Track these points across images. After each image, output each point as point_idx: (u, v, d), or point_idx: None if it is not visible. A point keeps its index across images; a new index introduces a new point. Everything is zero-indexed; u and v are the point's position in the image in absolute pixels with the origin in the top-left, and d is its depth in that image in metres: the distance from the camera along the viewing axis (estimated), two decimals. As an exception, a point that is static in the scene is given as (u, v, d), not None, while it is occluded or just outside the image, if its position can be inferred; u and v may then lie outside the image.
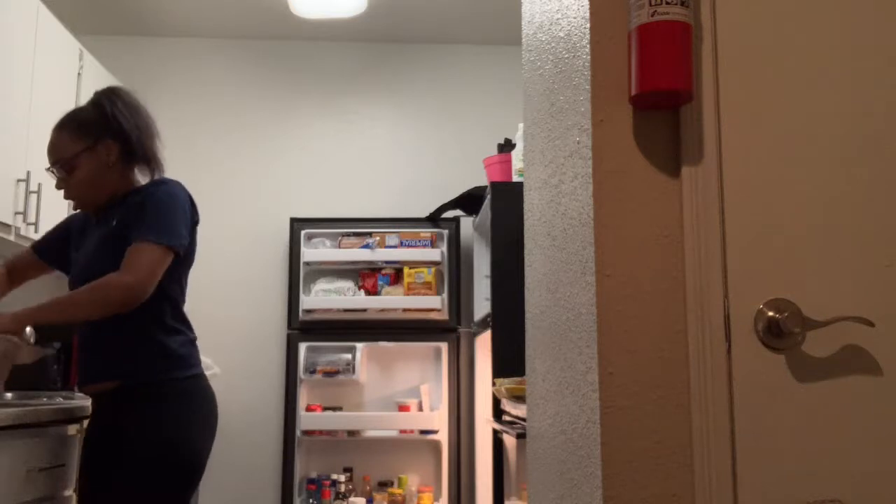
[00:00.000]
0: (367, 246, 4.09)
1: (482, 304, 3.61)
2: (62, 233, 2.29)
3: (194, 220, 2.17)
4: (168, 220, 2.06)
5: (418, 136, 4.39)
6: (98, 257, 2.09)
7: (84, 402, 2.63)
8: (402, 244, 4.09)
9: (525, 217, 1.82)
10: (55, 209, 3.15)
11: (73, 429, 2.45)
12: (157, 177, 2.19)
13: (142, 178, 2.20)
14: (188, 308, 2.21)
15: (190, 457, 2.04)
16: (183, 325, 2.16)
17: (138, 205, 2.08)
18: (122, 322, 2.02)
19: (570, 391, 1.38)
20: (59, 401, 2.54)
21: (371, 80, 4.42)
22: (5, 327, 1.97)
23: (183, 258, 2.12)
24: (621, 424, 1.22)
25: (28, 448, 2.10)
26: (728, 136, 1.28)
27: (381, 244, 4.09)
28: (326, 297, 4.05)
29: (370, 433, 4.00)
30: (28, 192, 2.87)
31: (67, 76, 3.30)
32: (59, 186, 2.15)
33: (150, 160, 2.17)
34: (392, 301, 4.03)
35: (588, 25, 1.31)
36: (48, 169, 2.14)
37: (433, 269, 4.06)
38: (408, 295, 4.03)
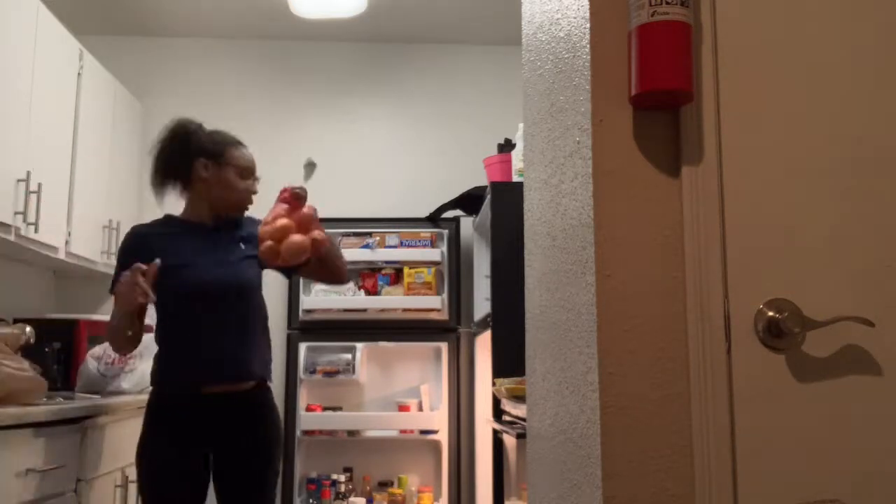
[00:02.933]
0: (367, 246, 4.09)
1: (482, 304, 3.61)
2: (139, 252, 2.28)
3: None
4: None
5: (418, 136, 4.38)
6: (244, 266, 2.37)
7: (83, 403, 2.63)
8: (402, 244, 4.09)
9: (525, 217, 1.82)
10: (55, 209, 3.15)
11: (73, 429, 2.44)
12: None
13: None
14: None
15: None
16: None
17: None
18: (258, 324, 2.39)
19: (570, 391, 1.38)
20: (60, 401, 2.54)
21: (371, 80, 4.41)
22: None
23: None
24: (621, 424, 1.21)
25: (28, 448, 2.10)
26: (728, 136, 1.28)
27: (381, 244, 4.09)
28: (326, 297, 4.05)
29: (370, 433, 4.00)
30: (28, 192, 2.87)
31: (67, 76, 3.30)
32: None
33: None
34: (392, 301, 4.03)
35: (588, 25, 1.31)
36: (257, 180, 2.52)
37: (433, 269, 4.05)
38: (408, 295, 4.03)
